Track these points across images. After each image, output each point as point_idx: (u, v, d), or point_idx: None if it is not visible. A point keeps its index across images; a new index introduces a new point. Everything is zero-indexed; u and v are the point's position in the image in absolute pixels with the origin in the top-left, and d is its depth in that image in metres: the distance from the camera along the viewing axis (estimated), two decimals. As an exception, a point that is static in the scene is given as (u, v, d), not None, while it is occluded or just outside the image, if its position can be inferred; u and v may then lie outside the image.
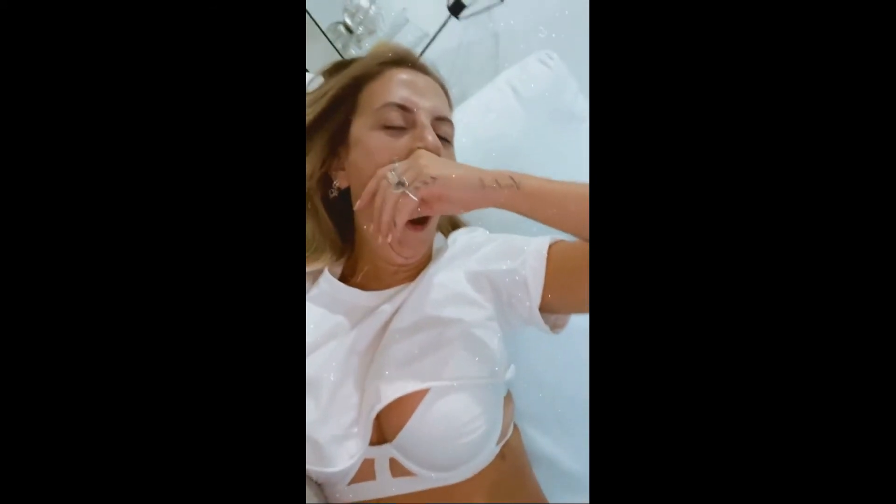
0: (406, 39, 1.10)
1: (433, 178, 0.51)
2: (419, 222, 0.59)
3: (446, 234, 0.71)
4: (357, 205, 0.59)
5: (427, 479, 0.55)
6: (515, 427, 0.66)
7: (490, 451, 0.56)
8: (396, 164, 0.55)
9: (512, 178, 0.51)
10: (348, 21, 1.14)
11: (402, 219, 0.52)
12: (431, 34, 1.06)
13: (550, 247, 0.58)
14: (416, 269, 0.65)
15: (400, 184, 0.52)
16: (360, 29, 1.15)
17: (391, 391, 0.54)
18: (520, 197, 0.52)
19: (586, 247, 0.53)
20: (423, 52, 1.06)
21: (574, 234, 0.56)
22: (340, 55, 1.12)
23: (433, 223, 0.62)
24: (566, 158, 0.79)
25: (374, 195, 0.55)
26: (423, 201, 0.52)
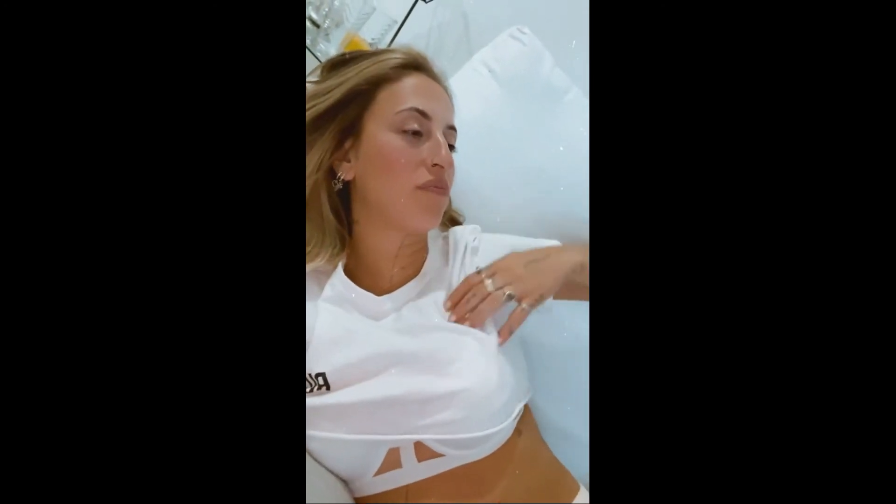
0: (375, 28, 1.09)
1: (542, 296, 0.62)
2: (443, 190, 0.63)
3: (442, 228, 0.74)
4: (447, 307, 0.63)
5: (453, 459, 0.56)
6: (526, 405, 0.68)
7: (510, 426, 0.58)
8: (488, 277, 0.62)
9: (583, 266, 0.65)
10: (314, 15, 1.13)
11: (517, 327, 0.61)
12: (399, 20, 1.05)
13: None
14: (416, 265, 0.68)
15: (510, 296, 0.61)
16: (327, 22, 1.14)
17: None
18: (584, 275, 0.64)
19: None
20: (392, 39, 1.05)
21: None
22: (311, 52, 1.11)
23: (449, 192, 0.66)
24: (551, 133, 0.79)
25: (463, 296, 0.63)
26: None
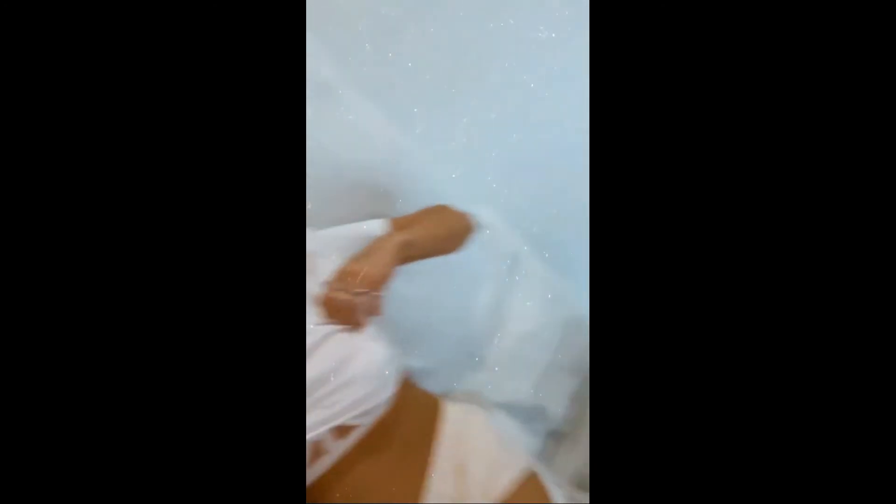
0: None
1: (384, 277, 0.68)
2: None
3: None
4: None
5: (365, 424, 0.68)
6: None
7: (397, 381, 0.72)
8: (338, 289, 0.67)
9: (409, 243, 0.73)
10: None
11: (379, 312, 0.69)
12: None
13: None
14: None
15: (359, 293, 0.67)
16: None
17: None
18: (412, 249, 0.74)
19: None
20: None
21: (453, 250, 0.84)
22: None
23: None
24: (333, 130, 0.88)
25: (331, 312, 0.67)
26: None
